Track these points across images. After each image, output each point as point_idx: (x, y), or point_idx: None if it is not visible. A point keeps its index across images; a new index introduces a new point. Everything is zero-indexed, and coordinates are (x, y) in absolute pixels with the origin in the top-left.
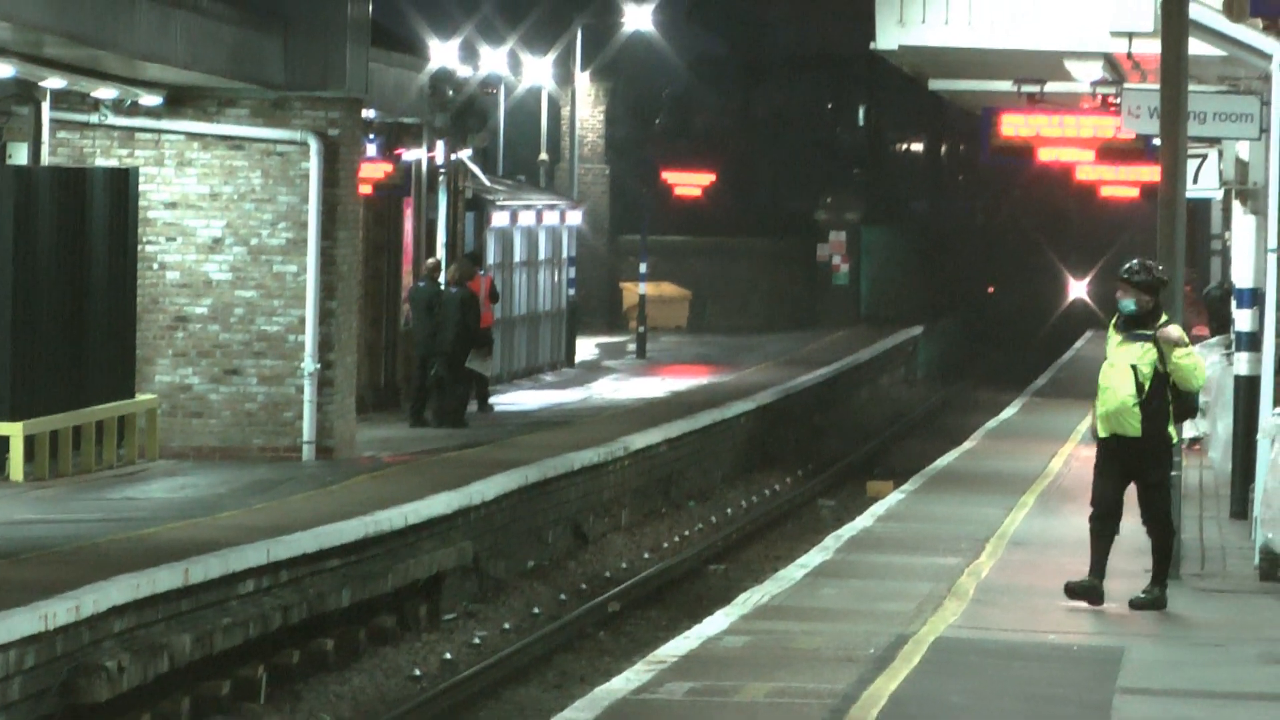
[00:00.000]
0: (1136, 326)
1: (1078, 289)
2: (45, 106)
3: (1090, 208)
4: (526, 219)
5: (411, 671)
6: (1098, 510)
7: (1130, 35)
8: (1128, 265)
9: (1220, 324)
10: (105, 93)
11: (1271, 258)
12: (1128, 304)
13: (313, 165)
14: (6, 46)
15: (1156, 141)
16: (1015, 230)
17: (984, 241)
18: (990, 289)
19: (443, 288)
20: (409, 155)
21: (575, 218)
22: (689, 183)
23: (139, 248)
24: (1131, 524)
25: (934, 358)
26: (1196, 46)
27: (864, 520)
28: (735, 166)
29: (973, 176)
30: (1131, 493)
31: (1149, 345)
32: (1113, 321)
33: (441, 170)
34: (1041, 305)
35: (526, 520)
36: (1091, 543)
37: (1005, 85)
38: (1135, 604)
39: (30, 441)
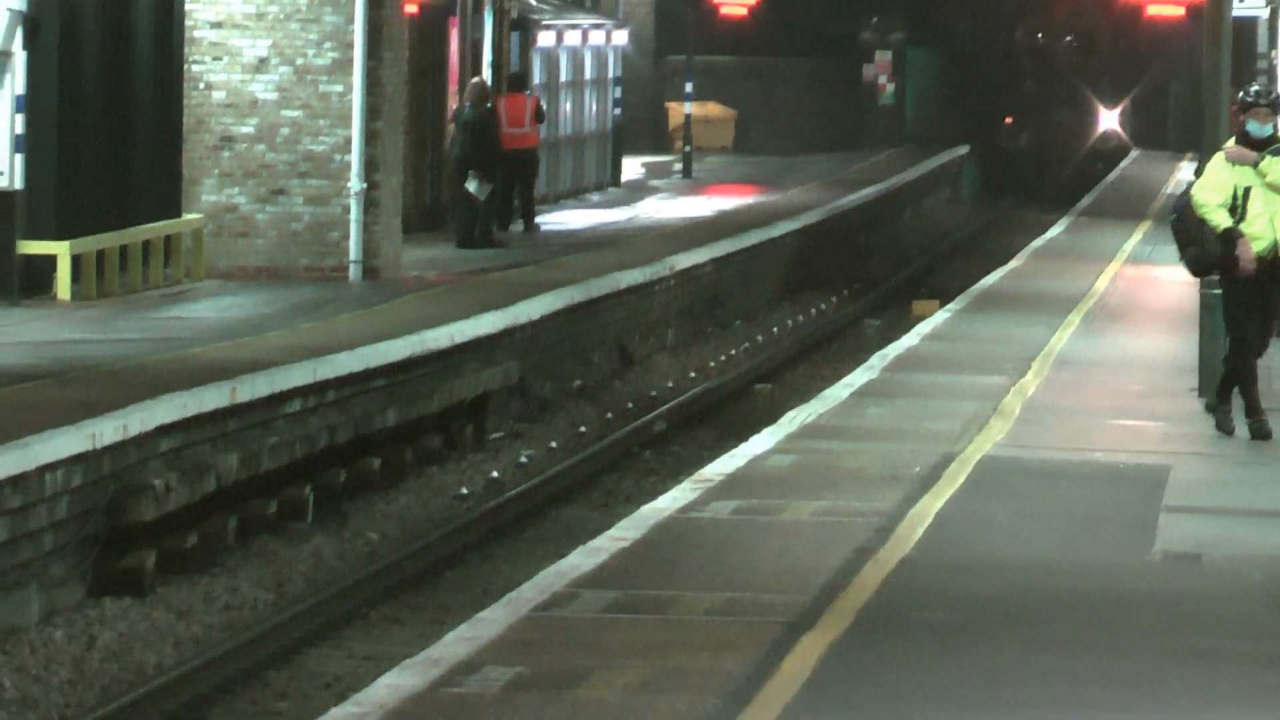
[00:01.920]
0: (1266, 146)
1: (1109, 119)
2: None
3: (1124, 30)
4: (572, 39)
5: (458, 490)
6: (1251, 350)
7: None
8: (1253, 90)
9: None
10: None
11: None
12: (1266, 128)
13: None
14: None
15: None
16: (1043, 53)
17: (1012, 66)
18: (1008, 120)
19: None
20: None
21: (621, 38)
22: (734, 1)
23: (184, 67)
24: (1174, 347)
25: (980, 178)
26: None
27: (909, 340)
28: None
29: None
30: None
31: None
32: (1226, 152)
33: None
34: (1066, 139)
35: (572, 340)
36: (1247, 385)
37: None
38: (1259, 434)
39: (77, 261)
